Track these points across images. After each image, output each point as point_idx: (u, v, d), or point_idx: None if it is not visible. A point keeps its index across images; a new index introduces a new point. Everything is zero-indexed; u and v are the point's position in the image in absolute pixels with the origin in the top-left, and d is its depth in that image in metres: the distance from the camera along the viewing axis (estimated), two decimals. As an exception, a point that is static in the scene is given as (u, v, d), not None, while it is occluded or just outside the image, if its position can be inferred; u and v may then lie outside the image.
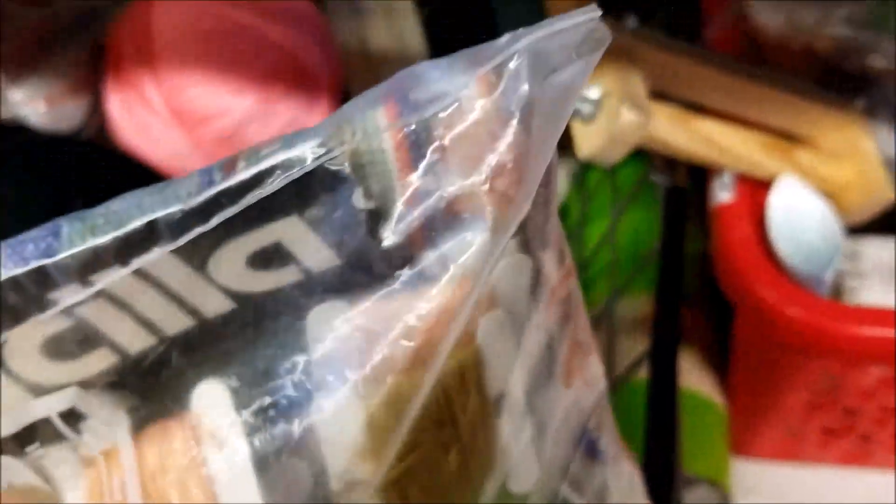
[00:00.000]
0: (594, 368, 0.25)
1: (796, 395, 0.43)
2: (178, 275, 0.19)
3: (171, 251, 0.19)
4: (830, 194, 0.40)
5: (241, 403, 0.20)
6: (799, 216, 0.38)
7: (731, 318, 0.43)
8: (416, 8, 0.48)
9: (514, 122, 0.19)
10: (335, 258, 0.20)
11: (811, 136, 0.42)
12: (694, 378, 0.47)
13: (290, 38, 0.43)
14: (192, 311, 0.20)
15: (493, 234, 0.19)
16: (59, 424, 0.20)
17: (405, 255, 0.19)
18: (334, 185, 0.19)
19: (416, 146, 0.19)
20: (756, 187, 0.40)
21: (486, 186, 0.19)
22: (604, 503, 0.25)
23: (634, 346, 0.41)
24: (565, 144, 0.57)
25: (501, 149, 0.19)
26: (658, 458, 0.30)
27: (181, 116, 0.42)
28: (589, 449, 0.25)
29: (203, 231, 0.19)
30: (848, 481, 0.50)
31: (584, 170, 0.57)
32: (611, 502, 0.25)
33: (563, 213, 0.57)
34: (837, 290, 0.43)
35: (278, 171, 0.18)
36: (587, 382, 0.24)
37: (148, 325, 0.20)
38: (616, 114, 0.34)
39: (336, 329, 0.20)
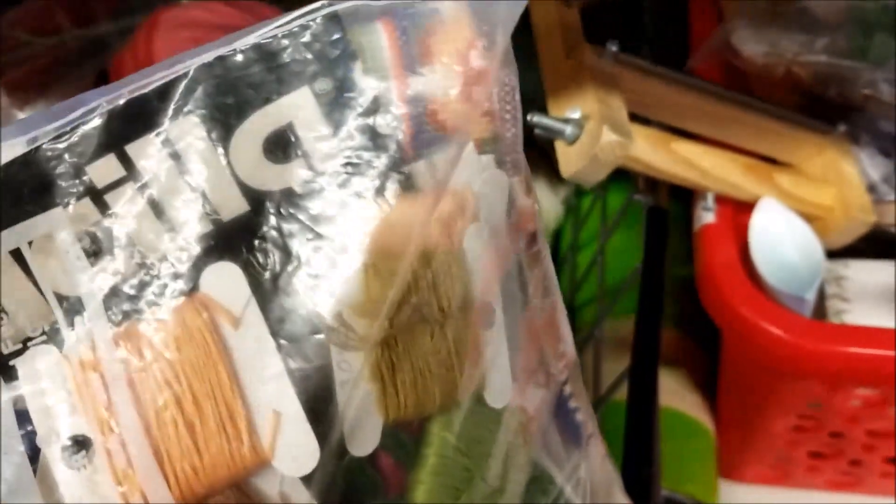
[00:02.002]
0: (564, 329, 0.27)
1: (782, 419, 0.44)
2: (204, 160, 0.21)
3: (198, 117, 0.21)
4: (812, 217, 0.41)
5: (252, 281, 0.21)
6: (780, 237, 0.38)
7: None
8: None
9: (485, 36, 0.22)
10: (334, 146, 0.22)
11: (793, 160, 0.43)
12: (682, 400, 0.47)
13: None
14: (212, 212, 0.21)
15: (467, 144, 0.22)
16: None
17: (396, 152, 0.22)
18: (339, 57, 0.22)
19: (406, 46, 0.22)
20: (739, 209, 0.41)
21: (463, 95, 0.22)
22: (578, 477, 0.26)
23: (619, 368, 0.41)
24: (558, 171, 0.58)
25: (474, 61, 0.22)
26: (635, 473, 0.30)
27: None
28: (565, 416, 0.26)
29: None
30: (839, 508, 0.50)
31: (578, 196, 0.58)
32: (583, 480, 0.26)
33: (557, 238, 0.58)
34: (822, 314, 0.43)
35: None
36: (558, 338, 0.26)
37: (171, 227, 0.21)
38: (597, 135, 0.35)
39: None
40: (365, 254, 0.22)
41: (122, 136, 0.21)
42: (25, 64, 0.50)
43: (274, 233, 0.22)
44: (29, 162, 0.21)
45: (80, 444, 0.21)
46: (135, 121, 0.21)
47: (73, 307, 0.21)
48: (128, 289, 0.21)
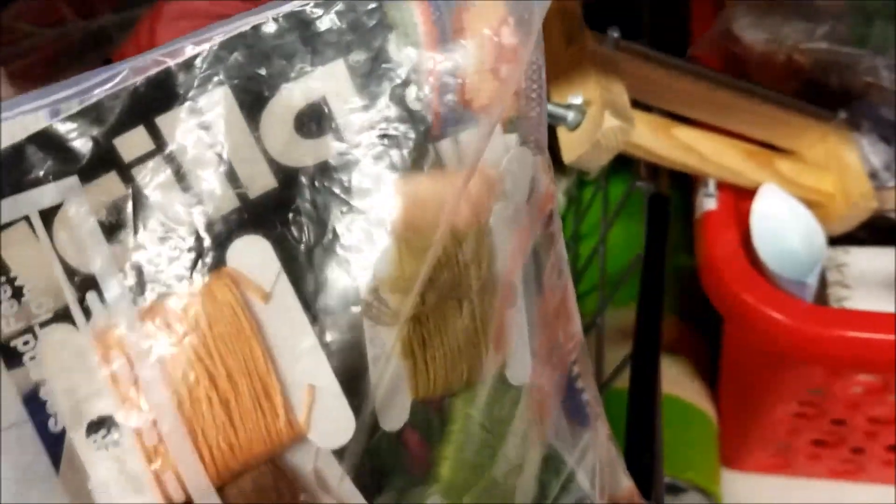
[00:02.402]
0: (573, 310, 0.27)
1: (784, 406, 0.44)
2: (233, 133, 0.21)
3: (230, 88, 0.21)
4: (813, 204, 0.41)
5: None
6: (781, 223, 0.39)
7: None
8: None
9: (518, 13, 0.22)
10: (370, 118, 0.22)
11: (794, 147, 0.43)
12: (684, 388, 0.47)
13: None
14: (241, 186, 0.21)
15: (496, 122, 0.22)
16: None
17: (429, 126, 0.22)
18: (374, 28, 0.21)
19: (440, 21, 0.22)
20: (740, 196, 0.41)
21: (493, 71, 0.22)
22: (587, 459, 0.26)
23: (620, 356, 0.41)
24: (561, 162, 0.58)
25: (507, 38, 0.22)
26: (637, 459, 0.30)
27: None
28: (573, 396, 0.26)
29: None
30: (841, 495, 0.50)
31: (579, 187, 0.58)
32: (591, 460, 0.26)
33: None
34: (824, 301, 0.43)
35: None
36: (569, 318, 0.26)
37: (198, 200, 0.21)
38: (599, 120, 0.35)
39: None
40: (399, 228, 0.21)
41: (152, 107, 0.21)
42: (28, 55, 0.50)
43: (308, 206, 0.21)
44: (51, 135, 0.20)
45: (106, 424, 0.20)
46: (163, 92, 0.21)
47: (87, 283, 0.20)
48: (154, 264, 0.21)
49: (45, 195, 0.20)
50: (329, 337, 0.21)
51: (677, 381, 0.48)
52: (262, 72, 0.21)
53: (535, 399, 0.25)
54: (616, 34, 0.38)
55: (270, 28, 0.21)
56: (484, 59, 0.22)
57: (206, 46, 0.21)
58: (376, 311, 0.21)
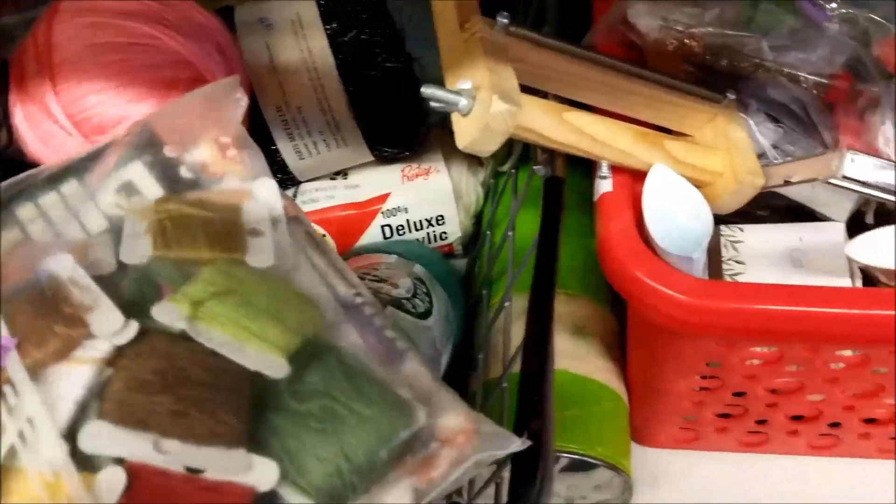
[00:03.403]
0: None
1: (685, 380, 0.45)
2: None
3: None
4: (703, 182, 0.42)
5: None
6: (670, 201, 0.40)
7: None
8: (323, 23, 0.50)
9: None
10: None
11: (686, 130, 0.44)
12: (596, 368, 0.48)
13: (190, 49, 0.44)
14: None
15: None
16: None
17: None
18: None
19: None
20: (636, 178, 0.42)
21: None
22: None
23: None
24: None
25: None
26: (525, 433, 0.31)
27: (81, 126, 0.43)
28: (375, 333, 0.32)
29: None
30: (752, 467, 0.51)
31: (495, 177, 0.59)
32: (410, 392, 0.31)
33: (479, 219, 0.59)
34: (719, 277, 0.45)
35: None
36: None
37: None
38: (488, 105, 0.36)
39: None
40: None
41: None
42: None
43: None
44: None
45: None
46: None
47: None
48: None
49: None
50: None
51: (588, 361, 0.49)
52: None
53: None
54: (505, 20, 0.38)
55: None
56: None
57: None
58: None
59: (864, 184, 0.38)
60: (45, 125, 0.44)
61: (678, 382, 0.45)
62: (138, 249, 0.31)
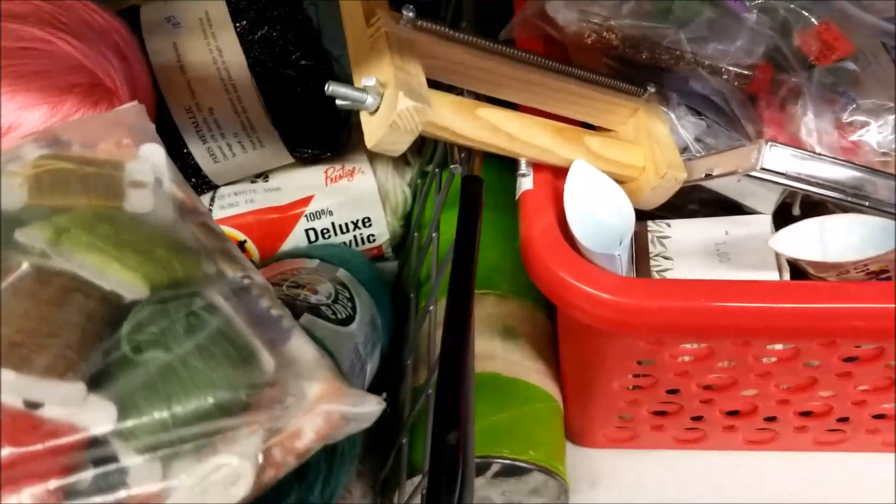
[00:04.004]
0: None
1: (618, 379, 0.44)
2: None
3: None
4: (625, 178, 0.41)
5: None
6: (591, 198, 0.39)
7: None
8: (233, 21, 0.48)
9: None
10: None
11: (605, 123, 0.43)
12: (528, 371, 0.47)
13: (86, 53, 0.42)
14: None
15: None
16: None
17: None
18: None
19: None
20: (558, 175, 0.41)
21: None
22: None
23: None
24: (405, 155, 0.58)
25: None
26: (442, 438, 0.29)
27: (-30, 133, 0.40)
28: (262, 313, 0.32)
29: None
30: (691, 464, 0.50)
31: (422, 176, 0.57)
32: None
33: (408, 220, 0.58)
34: (647, 273, 0.44)
35: None
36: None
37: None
38: (394, 102, 0.34)
39: None
40: None
41: None
42: None
43: None
44: None
45: None
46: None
47: None
48: None
49: None
50: None
51: (520, 364, 0.47)
52: None
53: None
54: (411, 13, 0.37)
55: None
56: None
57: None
58: None
59: (784, 175, 0.38)
60: (-67, 135, 0.41)
61: (611, 382, 0.44)
62: (12, 197, 0.32)
